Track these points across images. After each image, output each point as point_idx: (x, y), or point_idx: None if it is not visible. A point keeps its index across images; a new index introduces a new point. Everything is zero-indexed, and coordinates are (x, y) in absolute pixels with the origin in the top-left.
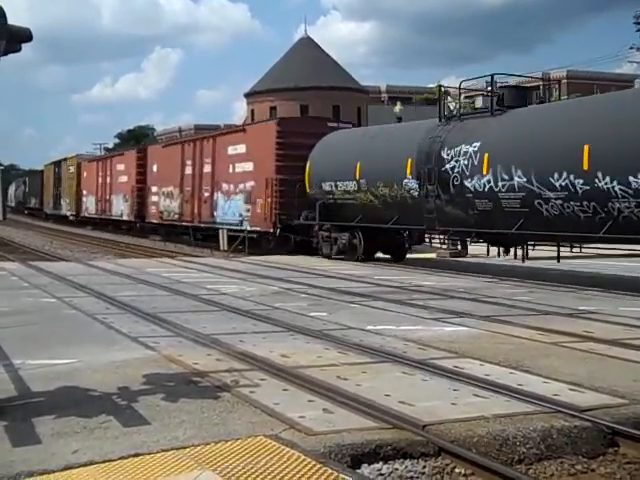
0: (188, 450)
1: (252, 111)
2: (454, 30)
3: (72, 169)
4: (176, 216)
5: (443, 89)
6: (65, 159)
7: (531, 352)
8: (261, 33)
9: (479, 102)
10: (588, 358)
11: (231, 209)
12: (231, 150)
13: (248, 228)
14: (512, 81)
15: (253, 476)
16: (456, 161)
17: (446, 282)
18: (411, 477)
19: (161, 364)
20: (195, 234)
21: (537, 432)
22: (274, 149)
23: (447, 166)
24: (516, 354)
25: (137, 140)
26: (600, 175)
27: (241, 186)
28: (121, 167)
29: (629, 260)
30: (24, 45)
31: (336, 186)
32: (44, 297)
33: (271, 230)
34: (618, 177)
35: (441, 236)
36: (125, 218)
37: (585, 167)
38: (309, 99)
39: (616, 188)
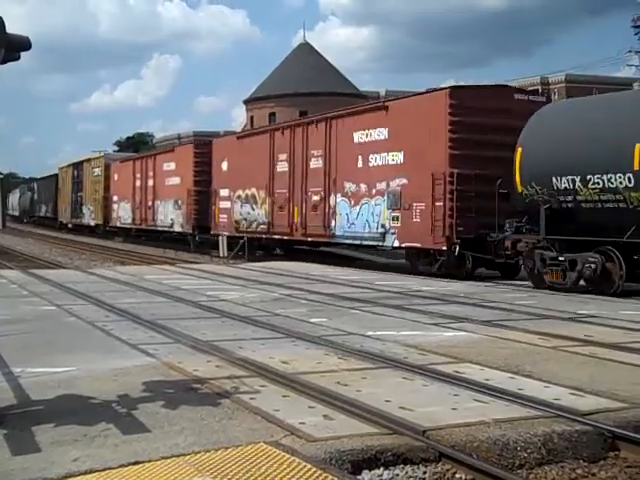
0: (188, 457)
1: (251, 117)
2: (453, 34)
3: (97, 171)
4: (262, 227)
5: None
6: (88, 160)
7: (531, 357)
8: (259, 39)
9: None
10: (588, 362)
11: (363, 217)
12: (361, 137)
13: (396, 244)
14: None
15: None
16: None
17: (445, 287)
18: None
19: (161, 371)
20: (288, 249)
21: (538, 437)
22: (446, 131)
23: None
24: (516, 359)
25: (136, 147)
26: None
27: (381, 186)
28: (170, 166)
29: None
30: (23, 53)
31: (585, 182)
32: (43, 305)
33: (442, 247)
34: None
35: None
36: (177, 229)
37: None
38: (308, 105)
39: None
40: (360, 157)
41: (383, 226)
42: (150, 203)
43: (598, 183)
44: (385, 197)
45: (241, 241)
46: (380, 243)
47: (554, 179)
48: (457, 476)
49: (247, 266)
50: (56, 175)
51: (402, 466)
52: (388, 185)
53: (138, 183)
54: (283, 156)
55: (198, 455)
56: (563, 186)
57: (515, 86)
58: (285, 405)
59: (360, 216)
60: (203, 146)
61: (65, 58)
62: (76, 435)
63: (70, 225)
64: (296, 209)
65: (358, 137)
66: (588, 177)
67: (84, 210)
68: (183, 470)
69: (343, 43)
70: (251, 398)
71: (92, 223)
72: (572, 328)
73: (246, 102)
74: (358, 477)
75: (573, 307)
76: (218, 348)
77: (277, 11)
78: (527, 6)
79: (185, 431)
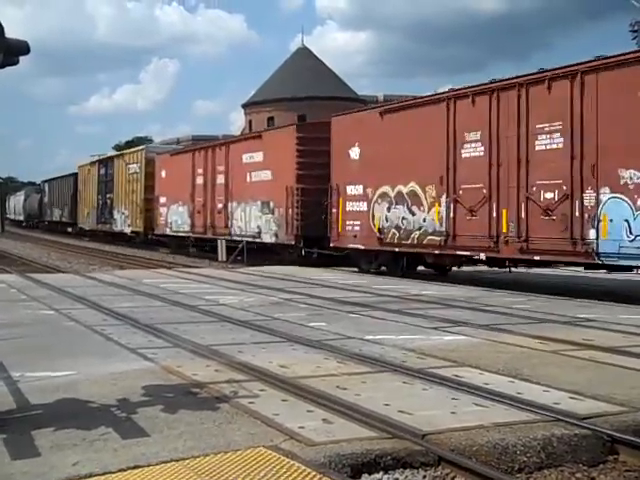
0: (188, 461)
1: (250, 122)
2: (450, 38)
3: (135, 167)
4: (439, 239)
5: None
6: (121, 154)
7: (530, 360)
8: (257, 43)
9: None
10: (587, 366)
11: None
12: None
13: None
14: None
15: None
16: None
17: (445, 291)
18: None
19: (160, 375)
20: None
21: (537, 441)
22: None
23: None
24: (515, 362)
25: None
26: None
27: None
28: (254, 157)
29: None
30: (21, 57)
31: None
32: (42, 309)
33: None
34: None
35: None
36: (267, 239)
37: None
38: (306, 109)
39: None
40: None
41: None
42: (220, 206)
43: None
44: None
45: (240, 245)
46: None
47: None
48: None
49: (246, 270)
50: (74, 175)
51: (401, 470)
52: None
53: (200, 180)
54: (475, 136)
55: (197, 459)
56: None
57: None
58: (284, 409)
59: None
60: (313, 128)
61: (63, 62)
62: (75, 439)
63: (95, 232)
64: (514, 209)
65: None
66: None
67: (115, 215)
68: (182, 474)
69: (341, 47)
70: (250, 402)
71: (127, 230)
72: (571, 332)
73: (244, 106)
74: None
75: (572, 311)
76: (217, 352)
77: (274, 15)
78: (525, 10)
79: (184, 435)
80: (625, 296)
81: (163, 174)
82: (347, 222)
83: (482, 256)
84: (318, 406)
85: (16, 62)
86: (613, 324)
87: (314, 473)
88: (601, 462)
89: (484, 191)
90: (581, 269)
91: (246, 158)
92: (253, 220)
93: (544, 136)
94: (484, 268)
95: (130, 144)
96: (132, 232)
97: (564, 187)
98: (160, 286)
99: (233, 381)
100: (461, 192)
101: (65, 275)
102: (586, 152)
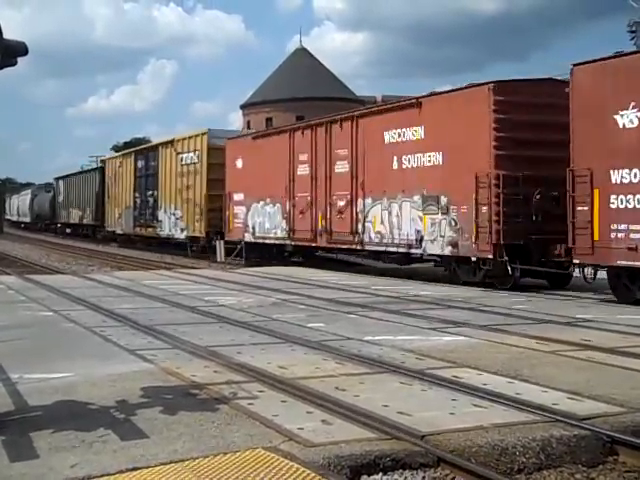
0: (187, 463)
1: (248, 122)
2: (448, 39)
3: (192, 157)
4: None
5: None
6: (169, 141)
7: (529, 361)
8: (255, 44)
9: None
10: (586, 367)
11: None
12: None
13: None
14: None
15: None
16: None
17: (443, 292)
18: None
19: (159, 377)
20: None
21: (536, 441)
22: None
23: None
24: (514, 363)
25: None
26: None
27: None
28: (407, 134)
29: None
30: (19, 59)
31: None
32: (41, 311)
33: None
34: None
35: None
36: (441, 250)
37: None
38: (305, 110)
39: None
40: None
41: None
42: (342, 203)
43: None
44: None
45: (239, 246)
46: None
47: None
48: None
49: (245, 271)
50: (99, 170)
51: (401, 471)
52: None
53: (303, 170)
54: None
55: (196, 461)
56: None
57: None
58: (283, 410)
59: None
60: (521, 89)
61: (60, 63)
62: (74, 441)
63: (130, 237)
64: None
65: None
66: None
67: (161, 216)
68: (181, 476)
69: (339, 48)
70: (249, 403)
71: (179, 235)
72: (570, 332)
73: (243, 107)
74: None
75: (571, 311)
76: (216, 353)
77: (272, 16)
78: (523, 10)
79: (183, 437)
80: None
81: (239, 164)
82: (613, 227)
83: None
84: (317, 407)
85: (14, 63)
86: (612, 325)
87: (313, 474)
88: (600, 463)
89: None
90: None
91: (391, 136)
92: (407, 223)
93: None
94: None
95: (128, 145)
96: (188, 237)
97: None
98: (160, 287)
99: (232, 382)
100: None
101: (64, 276)
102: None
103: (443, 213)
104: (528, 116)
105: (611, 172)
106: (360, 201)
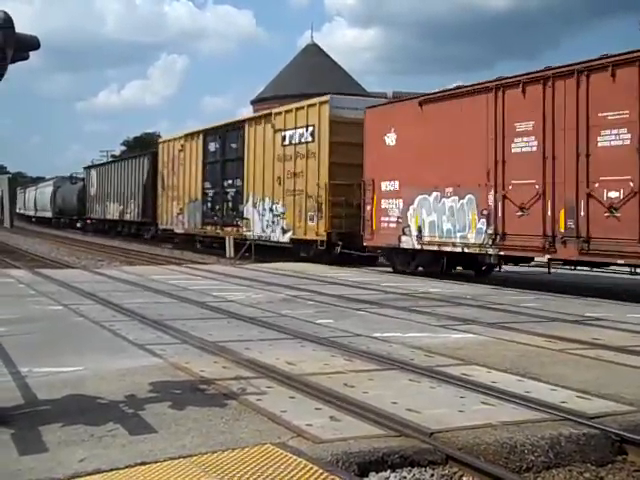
0: (195, 458)
1: None
2: (457, 36)
3: (304, 134)
4: None
5: None
6: (265, 116)
7: (538, 359)
8: (265, 39)
9: None
10: (596, 365)
11: None
12: None
13: None
14: None
15: None
16: None
17: (453, 289)
18: None
19: (168, 372)
20: None
21: (545, 440)
22: None
23: None
24: (523, 361)
25: (144, 148)
26: None
27: None
28: None
29: None
30: (31, 53)
31: None
32: (51, 305)
33: None
34: None
35: None
36: None
37: None
38: None
39: None
40: None
41: None
42: (618, 195)
43: None
44: None
45: (247, 242)
46: None
47: None
48: (464, 479)
49: (254, 267)
50: (148, 155)
51: (409, 468)
52: None
53: (524, 145)
54: None
55: (205, 456)
56: None
57: None
58: (292, 406)
59: None
60: None
61: (71, 57)
62: (83, 435)
63: (195, 237)
64: None
65: None
66: None
67: (248, 212)
68: (190, 471)
69: (349, 44)
70: (258, 399)
71: (281, 237)
72: (579, 331)
73: (253, 102)
74: (365, 479)
75: (580, 310)
76: (225, 349)
77: (283, 11)
78: (532, 8)
79: (192, 432)
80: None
81: (390, 140)
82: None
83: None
84: (325, 403)
85: (27, 57)
86: (622, 323)
87: (321, 471)
88: (609, 462)
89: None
90: None
91: None
92: None
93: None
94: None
95: (139, 140)
96: (294, 240)
97: None
98: (169, 282)
99: (241, 378)
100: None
101: (74, 271)
102: None
103: None
104: None
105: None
106: None
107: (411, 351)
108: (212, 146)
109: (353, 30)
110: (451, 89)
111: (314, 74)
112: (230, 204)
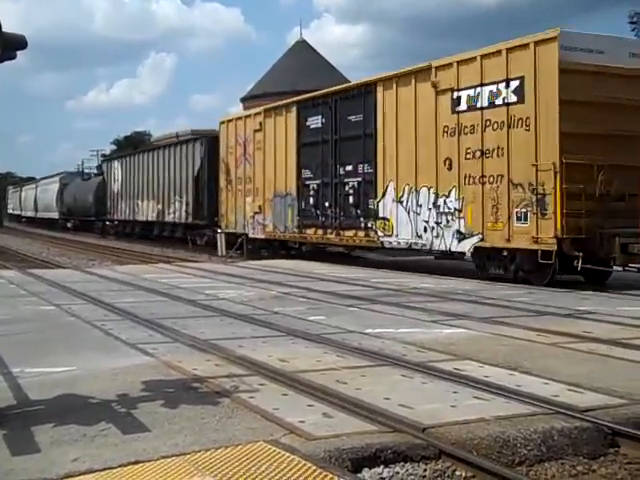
0: (188, 456)
1: None
2: (445, 32)
3: (502, 91)
4: None
5: None
6: (422, 70)
7: (530, 353)
8: (254, 37)
9: None
10: (587, 359)
11: None
12: None
13: None
14: None
15: None
16: None
17: (444, 284)
18: None
19: (160, 370)
20: None
21: (537, 433)
22: None
23: None
24: (515, 355)
25: (135, 147)
26: None
27: None
28: None
29: None
30: (18, 52)
31: None
32: (42, 305)
33: None
34: None
35: None
36: None
37: None
38: None
39: None
40: None
41: None
42: None
43: None
44: None
45: (239, 239)
46: None
47: None
48: (457, 473)
49: (246, 264)
50: (202, 139)
51: (402, 464)
52: None
53: None
54: None
55: (198, 454)
56: None
57: None
58: (284, 403)
59: None
60: None
61: (60, 56)
62: (76, 435)
63: (285, 246)
64: None
65: None
66: None
67: (387, 209)
68: (183, 469)
69: (338, 40)
70: (250, 397)
71: (453, 246)
72: (571, 324)
73: (243, 100)
74: (358, 475)
75: (572, 303)
76: (217, 347)
77: (271, 8)
78: (520, 3)
79: (185, 430)
80: None
81: None
82: None
83: None
84: (318, 400)
85: (14, 57)
86: (613, 316)
87: (314, 467)
88: (602, 455)
89: None
90: None
91: None
92: None
93: None
94: None
95: (129, 139)
96: (478, 250)
97: None
98: (160, 281)
99: (233, 375)
100: None
101: (65, 270)
102: None
103: None
104: None
105: None
106: None
107: (403, 347)
108: (313, 121)
109: (341, 26)
110: None
111: (303, 71)
112: (351, 199)
